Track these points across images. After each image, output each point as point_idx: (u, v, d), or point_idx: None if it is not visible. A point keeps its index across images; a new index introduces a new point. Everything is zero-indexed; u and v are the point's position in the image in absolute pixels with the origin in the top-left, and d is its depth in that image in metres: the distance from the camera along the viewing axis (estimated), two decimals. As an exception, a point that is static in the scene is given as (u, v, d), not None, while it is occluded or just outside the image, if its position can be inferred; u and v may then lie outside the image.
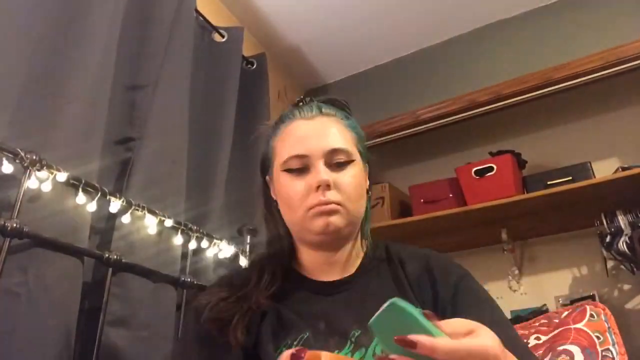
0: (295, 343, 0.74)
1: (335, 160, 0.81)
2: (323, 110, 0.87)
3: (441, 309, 0.77)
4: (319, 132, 0.83)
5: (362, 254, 0.88)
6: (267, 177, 0.90)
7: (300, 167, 0.81)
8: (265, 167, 0.91)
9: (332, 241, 0.83)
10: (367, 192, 0.88)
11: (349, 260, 0.86)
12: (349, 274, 0.85)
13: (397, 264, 0.85)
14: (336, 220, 0.78)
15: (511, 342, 0.62)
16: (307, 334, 0.76)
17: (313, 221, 0.79)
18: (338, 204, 0.78)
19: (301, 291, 0.84)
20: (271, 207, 0.89)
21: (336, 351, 0.72)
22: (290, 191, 0.81)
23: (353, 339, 0.74)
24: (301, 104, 0.89)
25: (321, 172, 0.79)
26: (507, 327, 0.77)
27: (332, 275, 0.85)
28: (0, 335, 0.91)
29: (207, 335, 0.78)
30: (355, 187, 0.81)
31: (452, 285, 0.80)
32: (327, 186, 0.78)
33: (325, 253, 0.85)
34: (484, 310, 0.76)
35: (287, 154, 0.82)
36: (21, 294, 0.95)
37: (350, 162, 0.82)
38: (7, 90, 1.05)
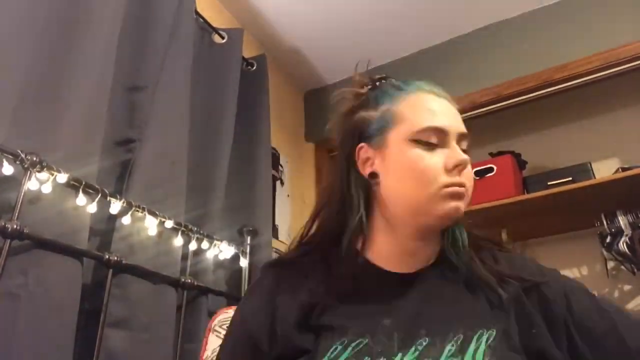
0: (350, 350, 0.64)
1: (462, 146, 0.74)
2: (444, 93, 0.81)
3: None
4: (453, 112, 0.77)
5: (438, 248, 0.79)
6: (362, 146, 0.77)
7: (433, 142, 0.72)
8: (360, 133, 0.78)
9: (439, 228, 0.75)
10: None
11: (430, 254, 0.76)
12: (425, 266, 0.75)
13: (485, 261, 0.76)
14: (461, 206, 0.71)
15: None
16: (367, 339, 0.65)
17: (443, 202, 0.70)
18: (467, 189, 0.72)
19: (371, 281, 0.74)
20: (350, 183, 0.76)
21: (399, 354, 0.63)
22: (422, 165, 0.70)
23: (420, 348, 0.64)
24: (391, 80, 0.83)
25: (460, 152, 0.72)
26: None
27: (408, 267, 0.75)
28: (0, 336, 0.91)
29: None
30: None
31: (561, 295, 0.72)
32: (464, 168, 0.71)
33: (417, 243, 0.75)
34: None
35: (423, 124, 0.72)
36: (21, 296, 0.95)
37: (467, 151, 0.75)
38: (8, 91, 1.05)
